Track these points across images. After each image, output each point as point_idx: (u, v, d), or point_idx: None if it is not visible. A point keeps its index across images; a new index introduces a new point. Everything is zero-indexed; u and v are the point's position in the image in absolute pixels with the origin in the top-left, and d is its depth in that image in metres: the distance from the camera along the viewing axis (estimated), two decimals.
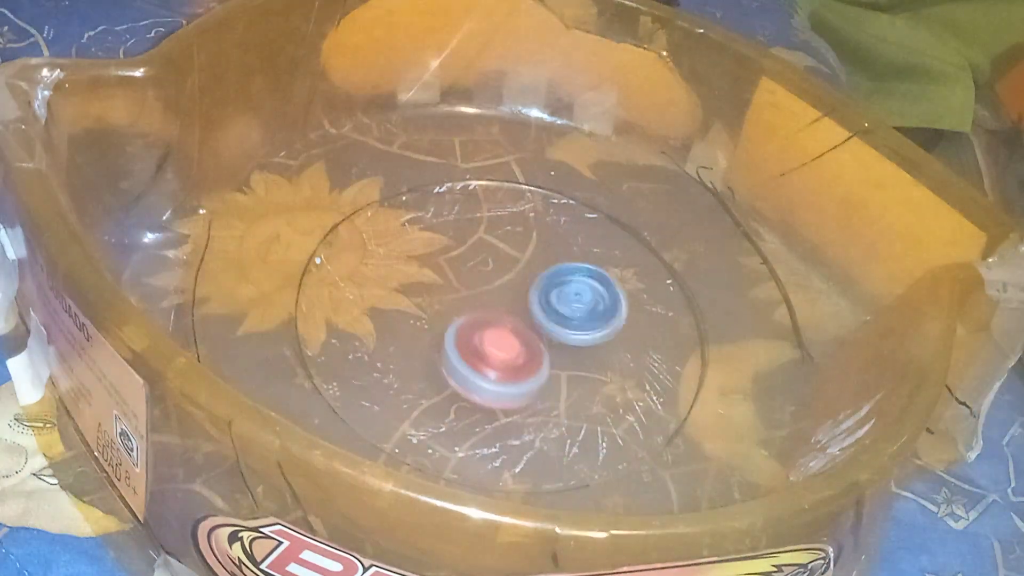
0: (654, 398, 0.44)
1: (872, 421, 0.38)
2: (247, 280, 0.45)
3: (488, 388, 0.42)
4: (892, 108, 0.67)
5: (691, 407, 0.44)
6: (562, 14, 0.53)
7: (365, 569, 0.31)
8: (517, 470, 0.41)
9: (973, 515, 0.44)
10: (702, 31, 0.51)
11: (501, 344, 0.43)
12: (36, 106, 0.39)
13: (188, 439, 0.32)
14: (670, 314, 0.48)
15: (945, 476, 0.45)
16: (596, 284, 0.47)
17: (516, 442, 0.42)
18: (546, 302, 0.45)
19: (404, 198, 0.50)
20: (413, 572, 0.31)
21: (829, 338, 0.48)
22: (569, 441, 0.42)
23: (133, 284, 0.44)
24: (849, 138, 0.48)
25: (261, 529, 0.32)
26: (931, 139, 0.68)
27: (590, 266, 0.47)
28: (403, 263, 0.47)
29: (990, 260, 0.44)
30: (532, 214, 0.51)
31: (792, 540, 0.33)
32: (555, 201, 0.52)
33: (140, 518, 0.36)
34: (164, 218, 0.46)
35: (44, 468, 0.39)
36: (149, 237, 0.46)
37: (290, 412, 0.31)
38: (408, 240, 0.49)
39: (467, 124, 0.55)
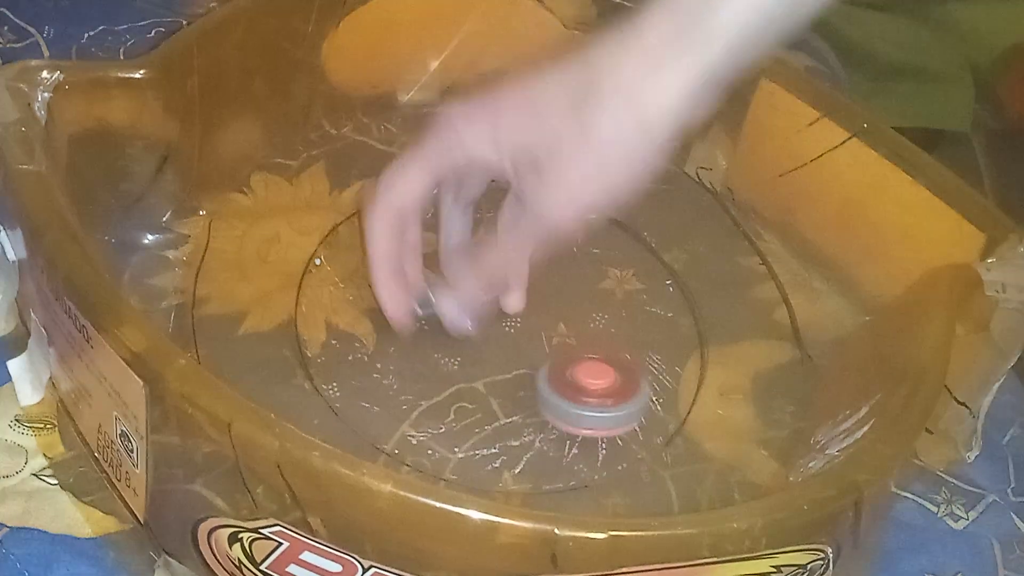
0: (654, 398, 0.44)
1: (872, 421, 0.38)
2: (247, 280, 0.45)
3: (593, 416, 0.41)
4: (892, 108, 0.67)
5: (691, 407, 0.44)
6: (562, 14, 0.53)
7: (365, 570, 0.31)
8: (517, 470, 0.41)
9: (973, 515, 0.44)
10: None
11: (596, 373, 0.42)
12: (36, 108, 0.39)
13: (188, 440, 0.32)
14: (670, 314, 0.48)
15: (945, 476, 0.45)
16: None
17: (516, 443, 0.42)
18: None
19: None
20: (413, 573, 0.31)
21: (829, 338, 0.48)
22: (569, 441, 0.42)
23: (133, 284, 0.44)
24: (848, 138, 0.48)
25: (261, 530, 0.32)
26: (931, 139, 0.68)
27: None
28: None
29: (989, 260, 0.44)
30: None
31: (791, 540, 0.33)
32: None
33: (140, 519, 0.36)
34: (164, 219, 0.46)
35: (44, 468, 0.39)
36: (149, 238, 0.46)
37: (290, 412, 0.31)
38: None
39: None
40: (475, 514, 0.30)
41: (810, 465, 0.39)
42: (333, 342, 0.44)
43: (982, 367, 0.44)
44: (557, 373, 0.42)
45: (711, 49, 0.36)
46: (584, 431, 0.42)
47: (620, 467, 0.42)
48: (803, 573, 0.34)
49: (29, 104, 0.39)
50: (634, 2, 0.51)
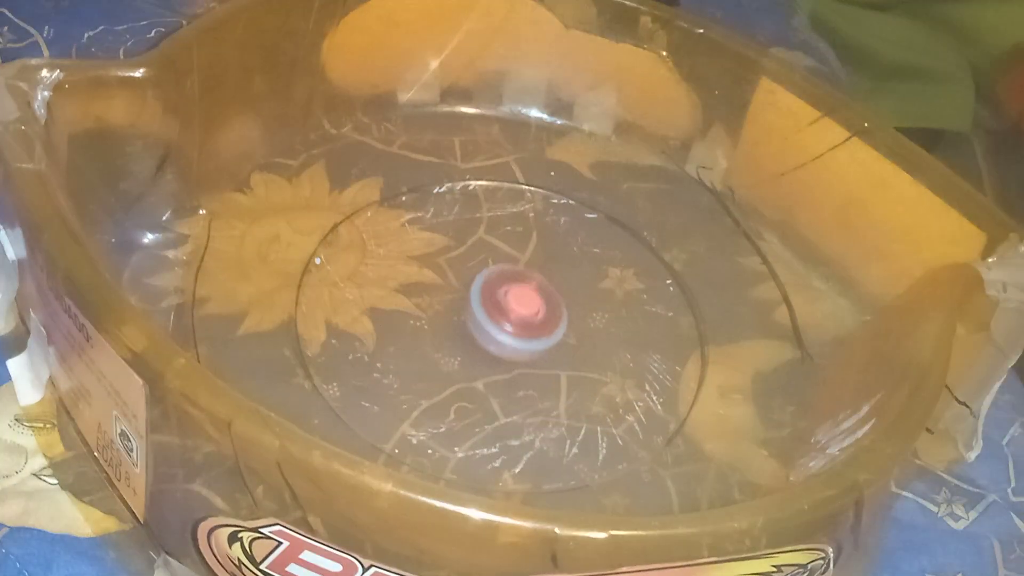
0: (654, 398, 0.44)
1: (872, 421, 0.38)
2: (247, 280, 0.45)
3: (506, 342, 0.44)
4: (892, 108, 0.67)
5: (691, 407, 0.44)
6: (562, 14, 0.53)
7: (365, 569, 0.31)
8: (517, 470, 0.41)
9: (973, 515, 0.44)
10: (702, 31, 0.51)
11: (523, 300, 0.44)
12: (36, 107, 0.39)
13: (188, 439, 0.32)
14: (670, 314, 0.48)
15: (945, 476, 0.45)
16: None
17: (516, 442, 0.42)
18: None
19: (404, 198, 0.50)
20: (413, 572, 0.31)
21: (829, 338, 0.48)
22: (569, 441, 0.42)
23: (133, 284, 0.44)
24: (849, 138, 0.48)
25: (261, 529, 0.32)
26: (931, 139, 0.68)
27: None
28: (403, 263, 0.47)
29: (990, 260, 0.44)
30: (532, 214, 0.51)
31: (792, 540, 0.33)
32: (555, 201, 0.52)
33: (140, 518, 0.36)
34: (164, 218, 0.46)
35: (44, 468, 0.39)
36: (149, 237, 0.46)
37: (290, 412, 0.31)
38: (408, 240, 0.49)
39: (467, 124, 0.55)
40: (476, 514, 0.30)
41: (810, 465, 0.39)
42: (333, 342, 0.44)
43: (982, 367, 0.44)
44: (491, 286, 0.45)
45: None
46: (491, 349, 0.44)
47: (620, 467, 0.42)
48: (803, 573, 0.34)
49: (29, 103, 0.39)
50: (635, 2, 0.52)
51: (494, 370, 0.44)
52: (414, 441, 0.41)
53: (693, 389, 0.45)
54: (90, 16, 0.56)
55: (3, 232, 0.40)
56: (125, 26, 0.56)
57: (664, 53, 0.52)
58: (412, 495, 0.30)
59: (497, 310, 0.44)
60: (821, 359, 0.47)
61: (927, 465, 0.45)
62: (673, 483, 0.41)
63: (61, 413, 0.40)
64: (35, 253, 0.37)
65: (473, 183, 0.52)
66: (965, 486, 0.45)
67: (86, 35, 0.55)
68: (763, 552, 0.32)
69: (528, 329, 0.44)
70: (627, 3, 0.52)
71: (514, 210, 0.51)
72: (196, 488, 0.33)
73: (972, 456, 0.45)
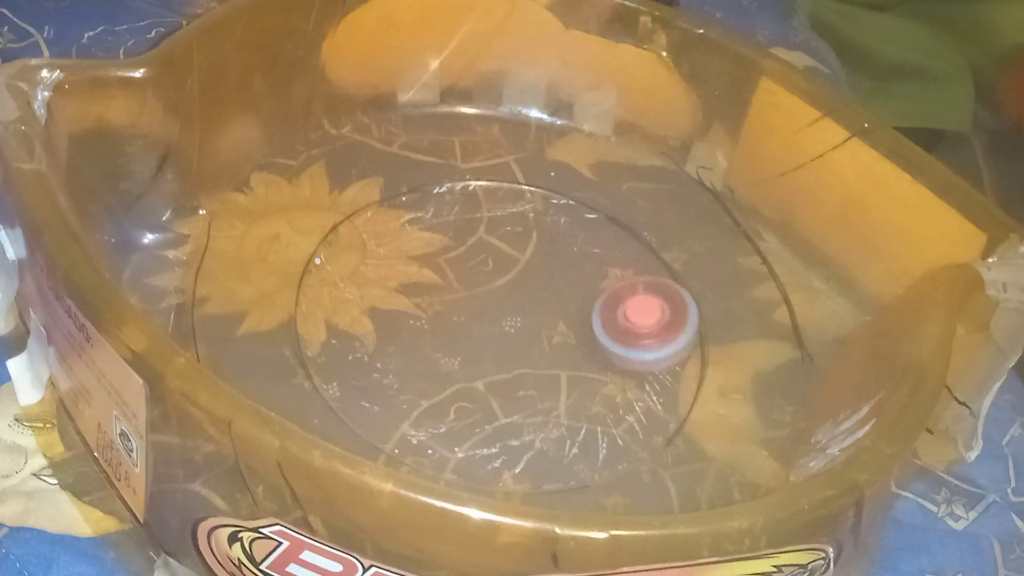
0: (654, 398, 0.44)
1: (872, 421, 0.38)
2: (247, 280, 0.45)
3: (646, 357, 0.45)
4: (892, 108, 0.67)
5: (691, 407, 0.44)
6: (562, 14, 0.53)
7: (365, 569, 0.31)
8: (517, 470, 0.41)
9: (973, 515, 0.44)
10: (702, 31, 0.51)
11: (644, 311, 0.45)
12: (36, 107, 0.39)
13: (188, 439, 0.32)
14: None
15: (945, 476, 0.45)
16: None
17: (516, 442, 0.42)
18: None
19: (404, 198, 0.50)
20: (413, 572, 0.31)
21: (829, 338, 0.48)
22: (569, 441, 0.42)
23: (133, 284, 0.44)
24: (849, 138, 0.48)
25: (261, 530, 0.32)
26: (931, 139, 0.68)
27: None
28: (403, 263, 0.47)
29: (990, 260, 0.43)
30: (532, 214, 0.51)
31: (792, 540, 0.33)
32: (555, 201, 0.52)
33: (140, 518, 0.36)
34: (164, 218, 0.46)
35: (44, 468, 0.39)
36: (149, 237, 0.46)
37: (290, 412, 0.31)
38: (408, 240, 0.49)
39: (467, 124, 0.55)
40: (476, 513, 0.30)
41: (810, 465, 0.39)
42: (333, 342, 0.44)
43: (982, 367, 0.44)
44: (610, 306, 0.45)
45: None
46: (632, 367, 0.45)
47: (620, 467, 0.42)
48: (804, 573, 0.34)
49: (29, 103, 0.39)
50: (635, 2, 0.52)
51: (494, 370, 0.44)
52: (414, 441, 0.41)
53: (693, 389, 0.45)
54: (90, 16, 0.56)
55: (3, 232, 0.40)
56: (125, 26, 0.56)
57: (664, 53, 0.52)
58: (412, 495, 0.30)
59: (623, 333, 0.45)
60: (821, 359, 0.47)
61: (927, 465, 0.45)
62: (673, 483, 0.41)
63: (61, 413, 0.40)
64: (35, 253, 0.37)
65: (473, 183, 0.52)
66: (965, 486, 0.45)
67: (86, 35, 0.55)
68: (763, 552, 0.32)
69: (659, 336, 0.45)
70: (627, 3, 0.52)
71: (514, 210, 0.51)
72: (196, 488, 0.33)
73: (972, 456, 0.45)
